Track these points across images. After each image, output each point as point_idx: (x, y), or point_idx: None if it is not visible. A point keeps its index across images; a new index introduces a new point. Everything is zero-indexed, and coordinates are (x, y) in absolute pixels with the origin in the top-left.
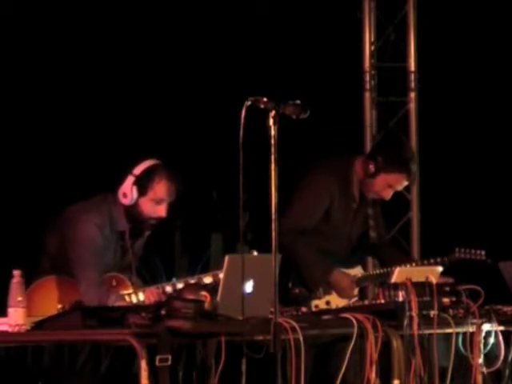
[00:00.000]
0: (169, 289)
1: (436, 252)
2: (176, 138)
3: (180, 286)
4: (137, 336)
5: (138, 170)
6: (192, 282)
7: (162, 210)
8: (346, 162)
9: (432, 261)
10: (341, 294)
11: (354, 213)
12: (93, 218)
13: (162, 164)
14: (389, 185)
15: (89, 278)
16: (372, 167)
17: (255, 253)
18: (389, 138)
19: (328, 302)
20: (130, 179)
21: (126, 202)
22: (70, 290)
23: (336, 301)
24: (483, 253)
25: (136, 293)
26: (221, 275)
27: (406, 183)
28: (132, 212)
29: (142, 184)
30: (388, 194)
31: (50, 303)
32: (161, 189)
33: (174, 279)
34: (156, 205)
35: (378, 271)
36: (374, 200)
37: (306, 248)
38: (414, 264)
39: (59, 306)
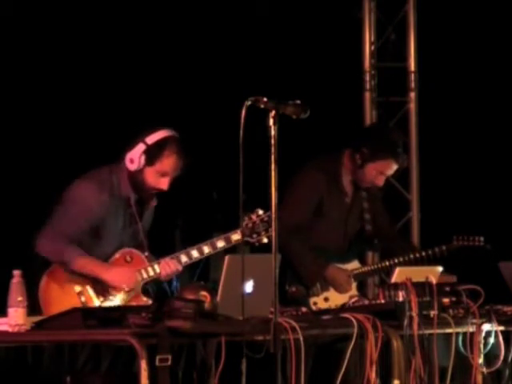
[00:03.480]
0: (184, 258)
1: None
2: None
3: (195, 253)
4: (137, 336)
5: (151, 139)
6: (205, 247)
7: (164, 183)
8: (333, 157)
9: (430, 252)
10: (338, 290)
11: (348, 208)
12: (89, 182)
13: (176, 137)
14: (379, 172)
15: (56, 233)
16: (358, 158)
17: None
18: (372, 126)
19: (326, 299)
20: (141, 147)
21: (132, 167)
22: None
23: (335, 297)
24: (482, 239)
25: (152, 266)
26: (233, 237)
27: (395, 167)
28: (135, 179)
29: (152, 154)
30: (381, 181)
31: (68, 290)
32: (168, 163)
33: (173, 280)
34: (160, 177)
35: (375, 266)
36: (371, 193)
37: (300, 246)
38: (413, 255)
39: (78, 290)
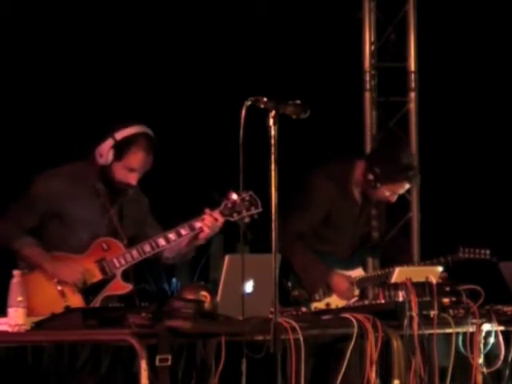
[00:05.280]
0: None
1: (436, 252)
2: (176, 138)
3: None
4: (137, 336)
5: (120, 135)
6: (183, 231)
7: (132, 178)
8: (345, 166)
9: (435, 261)
10: (341, 296)
11: (356, 216)
12: (45, 172)
13: (145, 133)
14: (392, 192)
15: (8, 218)
16: (372, 179)
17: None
18: (384, 144)
19: (328, 304)
20: (110, 142)
21: (101, 161)
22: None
23: (336, 303)
24: (488, 252)
25: (129, 252)
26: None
27: (408, 186)
28: (105, 173)
29: (119, 150)
30: (393, 199)
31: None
32: (135, 159)
33: (173, 280)
34: (128, 172)
35: (378, 272)
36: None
37: (304, 252)
38: (416, 265)
39: (59, 288)
